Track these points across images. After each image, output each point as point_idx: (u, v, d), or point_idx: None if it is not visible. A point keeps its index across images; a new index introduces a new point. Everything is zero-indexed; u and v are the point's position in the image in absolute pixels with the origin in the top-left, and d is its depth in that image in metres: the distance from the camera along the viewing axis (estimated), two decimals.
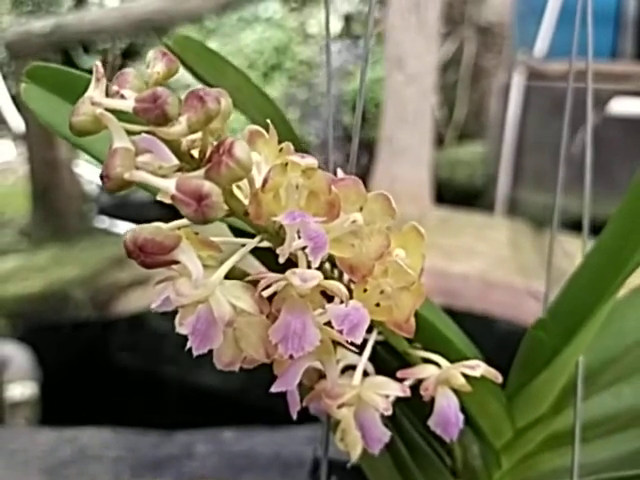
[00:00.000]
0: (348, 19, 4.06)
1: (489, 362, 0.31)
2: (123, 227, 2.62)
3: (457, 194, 2.90)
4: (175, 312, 0.23)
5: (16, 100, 3.12)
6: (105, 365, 1.92)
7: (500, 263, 2.13)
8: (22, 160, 3.16)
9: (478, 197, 2.93)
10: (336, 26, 3.97)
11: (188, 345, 0.21)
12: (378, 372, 0.29)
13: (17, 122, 3.01)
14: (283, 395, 0.25)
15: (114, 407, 1.60)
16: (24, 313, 1.93)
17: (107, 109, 0.18)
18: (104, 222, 2.76)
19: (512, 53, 3.01)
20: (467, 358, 0.28)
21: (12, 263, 2.29)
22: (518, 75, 2.79)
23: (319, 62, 3.88)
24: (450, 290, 1.90)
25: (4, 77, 3.37)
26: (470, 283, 2.01)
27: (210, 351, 0.22)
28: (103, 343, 1.96)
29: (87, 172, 2.96)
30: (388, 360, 0.30)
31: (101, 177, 0.18)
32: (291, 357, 0.21)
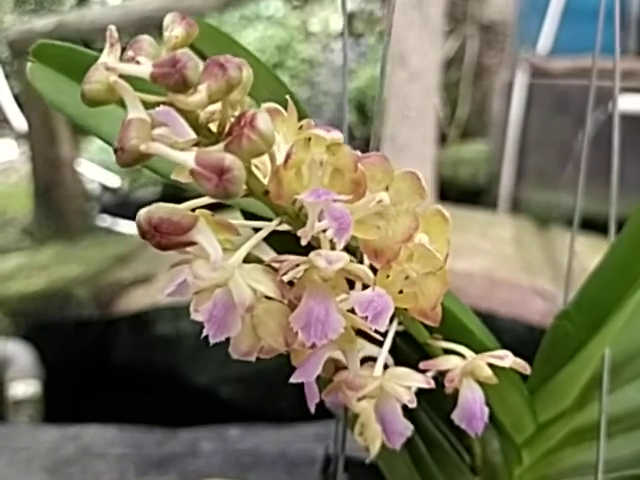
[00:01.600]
0: (350, 17, 4.05)
1: None
2: (125, 226, 2.61)
3: (460, 192, 2.89)
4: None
5: (19, 99, 3.11)
6: (108, 363, 1.91)
7: (504, 261, 2.12)
8: (24, 159, 3.16)
9: (481, 195, 2.92)
10: (338, 24, 3.95)
11: (204, 333, 0.20)
12: (397, 364, 0.28)
13: (20, 121, 3.00)
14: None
15: (117, 405, 1.59)
16: (27, 311, 1.92)
17: (122, 76, 0.16)
18: (106, 221, 2.76)
19: (515, 51, 3.00)
20: (490, 350, 0.27)
21: (15, 261, 2.28)
22: (521, 73, 2.78)
23: (321, 60, 3.87)
24: (454, 288, 1.88)
25: (6, 76, 3.36)
26: (474, 281, 2.00)
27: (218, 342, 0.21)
28: (106, 341, 1.95)
29: (89, 171, 2.96)
30: (407, 352, 0.29)
31: (115, 150, 0.17)
32: (313, 346, 0.20)
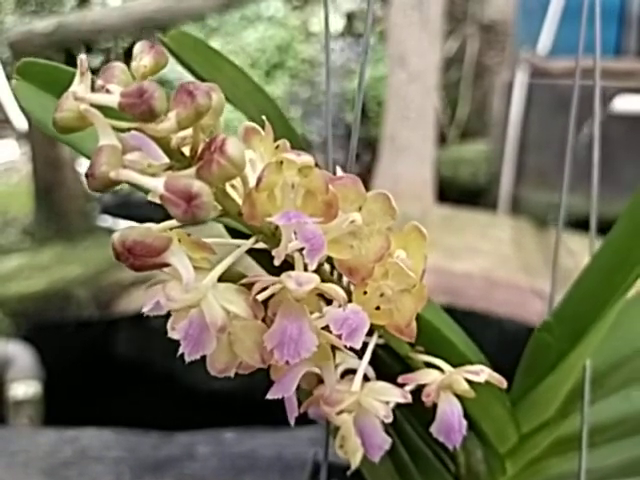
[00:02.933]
0: (350, 17, 4.05)
1: (492, 362, 0.31)
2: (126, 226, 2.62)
3: (460, 192, 2.89)
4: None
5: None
6: (108, 363, 1.91)
7: (503, 262, 2.12)
8: (25, 159, 3.16)
9: (481, 195, 2.91)
10: (338, 24, 3.95)
11: (180, 351, 0.20)
12: (379, 376, 0.28)
13: (21, 121, 3.01)
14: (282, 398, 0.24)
15: (118, 405, 1.60)
16: (27, 312, 1.93)
17: (93, 105, 0.17)
18: (107, 221, 2.77)
19: (515, 50, 3.00)
20: (471, 362, 0.27)
21: (15, 262, 2.29)
22: (521, 73, 2.77)
23: (321, 60, 3.87)
24: (453, 289, 1.90)
25: (7, 77, 3.37)
26: (473, 282, 2.00)
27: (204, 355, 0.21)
28: (106, 342, 1.96)
29: None
30: (390, 364, 0.29)
31: (86, 176, 0.17)
32: (287, 363, 0.20)
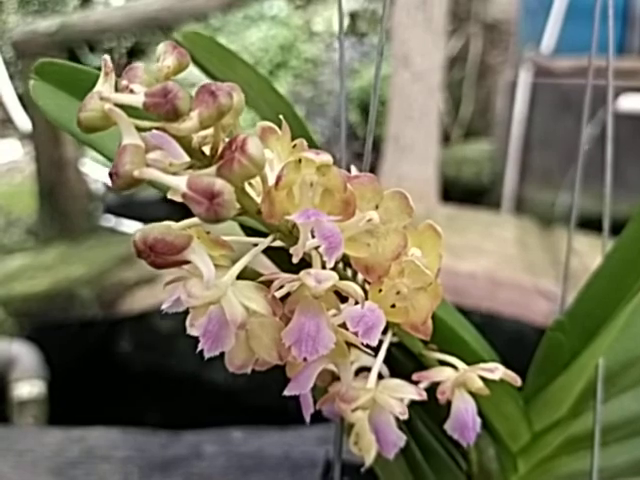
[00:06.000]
0: (354, 16, 4.05)
1: (503, 361, 0.31)
2: (129, 226, 2.62)
3: (464, 192, 2.89)
4: (183, 311, 0.22)
5: (23, 99, 3.12)
6: (112, 363, 1.92)
7: (507, 261, 2.11)
8: (29, 159, 3.17)
9: (485, 195, 2.91)
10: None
11: (199, 347, 0.20)
12: (393, 374, 0.29)
13: (24, 121, 3.01)
14: (296, 396, 0.24)
15: (121, 405, 1.60)
16: (31, 312, 1.93)
17: (116, 104, 0.17)
18: (110, 221, 2.77)
19: (519, 50, 2.99)
20: (484, 360, 0.28)
21: (19, 262, 2.29)
22: (525, 72, 2.77)
23: (324, 60, 3.87)
24: (457, 288, 1.89)
25: (11, 76, 3.38)
26: (477, 281, 2.00)
27: (221, 352, 0.22)
28: (110, 342, 1.96)
29: (93, 171, 2.97)
30: (403, 362, 0.29)
31: (110, 175, 0.17)
32: (305, 360, 0.20)
